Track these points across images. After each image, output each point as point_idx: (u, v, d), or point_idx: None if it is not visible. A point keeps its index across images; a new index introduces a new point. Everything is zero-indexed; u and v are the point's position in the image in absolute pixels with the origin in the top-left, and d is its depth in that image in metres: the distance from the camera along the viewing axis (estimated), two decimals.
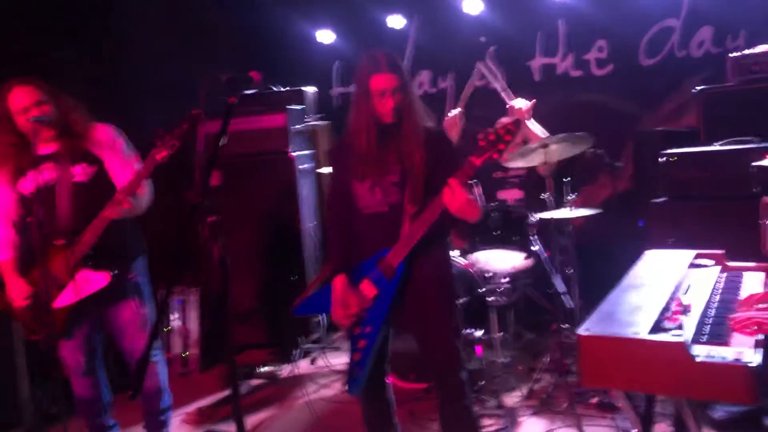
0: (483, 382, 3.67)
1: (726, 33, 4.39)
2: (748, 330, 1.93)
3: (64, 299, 2.96)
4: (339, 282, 2.71)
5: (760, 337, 1.91)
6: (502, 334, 3.79)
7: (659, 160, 3.67)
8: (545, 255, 3.83)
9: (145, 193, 3.05)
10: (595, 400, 3.41)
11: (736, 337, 1.92)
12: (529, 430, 3.30)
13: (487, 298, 3.80)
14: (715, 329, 2.00)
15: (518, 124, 2.49)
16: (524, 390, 3.68)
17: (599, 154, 4.15)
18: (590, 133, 3.86)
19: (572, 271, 3.93)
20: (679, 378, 1.76)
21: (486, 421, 3.38)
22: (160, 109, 4.98)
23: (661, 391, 2.03)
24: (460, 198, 2.42)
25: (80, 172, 3.01)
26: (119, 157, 3.07)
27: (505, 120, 3.90)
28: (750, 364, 1.70)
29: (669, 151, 3.65)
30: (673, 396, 2.12)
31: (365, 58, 2.63)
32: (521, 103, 4.09)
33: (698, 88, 3.89)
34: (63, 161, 2.99)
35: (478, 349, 3.78)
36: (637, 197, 4.35)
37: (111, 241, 2.95)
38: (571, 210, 3.78)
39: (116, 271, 2.99)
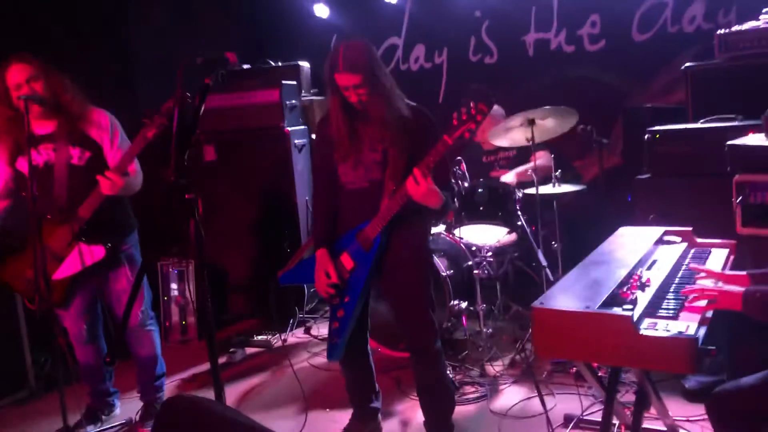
0: (467, 352, 3.80)
1: (718, 8, 4.39)
2: (697, 302, 2.02)
3: (64, 271, 3.11)
4: (320, 255, 2.84)
5: (709, 314, 2.00)
6: (484, 305, 3.90)
7: (645, 137, 3.72)
8: (530, 230, 3.91)
9: (136, 175, 3.17)
10: (573, 370, 3.52)
11: (685, 313, 2.01)
12: (508, 398, 3.42)
13: (474, 271, 3.90)
14: (669, 303, 2.09)
15: (490, 104, 2.55)
16: (507, 360, 3.80)
17: (588, 130, 4.20)
18: (582, 108, 3.94)
19: (557, 245, 4.02)
20: (626, 349, 1.85)
21: (467, 389, 3.51)
22: (161, 85, 5.10)
23: (609, 362, 2.13)
24: (422, 187, 2.53)
25: (77, 155, 3.12)
26: (116, 144, 3.19)
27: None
28: (690, 337, 1.79)
29: (654, 128, 3.69)
30: (621, 366, 2.22)
31: (331, 54, 2.66)
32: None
33: (686, 64, 3.91)
34: (61, 143, 3.11)
35: (464, 320, 3.90)
36: (626, 173, 4.40)
37: (105, 217, 3.09)
38: (555, 186, 3.86)
39: (110, 245, 3.13)
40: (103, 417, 3.47)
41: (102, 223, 3.10)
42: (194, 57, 2.24)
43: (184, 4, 5.39)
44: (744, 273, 2.27)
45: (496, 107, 4.48)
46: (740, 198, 2.90)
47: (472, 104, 2.51)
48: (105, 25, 4.85)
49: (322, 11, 5.67)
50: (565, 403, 3.26)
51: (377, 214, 2.72)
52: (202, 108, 2.23)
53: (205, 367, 4.24)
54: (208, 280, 4.94)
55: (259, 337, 4.55)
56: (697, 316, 1.96)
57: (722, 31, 3.75)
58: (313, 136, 4.98)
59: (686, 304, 2.04)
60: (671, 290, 2.22)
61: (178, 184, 2.08)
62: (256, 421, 1.55)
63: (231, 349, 4.36)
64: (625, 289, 2.12)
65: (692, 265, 2.36)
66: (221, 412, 1.60)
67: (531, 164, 3.83)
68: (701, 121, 3.62)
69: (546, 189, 3.88)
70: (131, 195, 3.22)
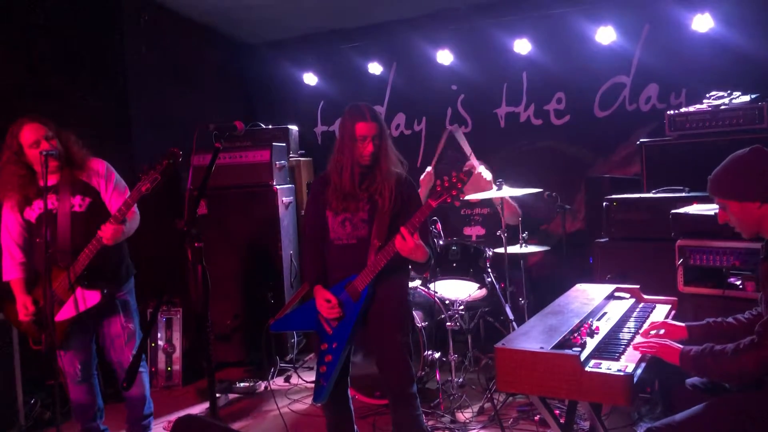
0: (438, 400, 4.06)
1: (670, 91, 4.88)
2: (644, 350, 2.35)
3: (64, 314, 3.35)
4: (317, 289, 3.13)
5: (646, 359, 2.33)
6: (456, 356, 4.18)
7: (604, 204, 4.11)
8: (499, 286, 4.23)
9: (134, 218, 3.45)
10: (537, 417, 3.79)
11: (626, 355, 2.34)
12: None
13: (446, 324, 4.20)
14: (612, 348, 2.42)
15: (469, 173, 2.91)
16: (476, 407, 4.06)
17: (553, 197, 4.60)
18: (548, 176, 4.32)
19: (524, 301, 4.35)
20: (574, 384, 2.17)
21: None
22: (157, 139, 5.44)
23: (560, 395, 2.42)
24: (409, 244, 2.87)
25: (78, 203, 3.41)
26: (112, 189, 3.47)
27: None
28: (627, 374, 2.11)
29: (612, 196, 4.09)
30: (570, 399, 2.51)
31: (351, 108, 3.08)
32: (486, 174, 4.58)
33: (641, 140, 4.34)
34: (64, 193, 3.40)
35: (437, 371, 4.17)
36: (588, 236, 4.79)
37: (104, 264, 3.36)
38: (522, 246, 4.22)
39: (106, 291, 3.38)
40: None
41: (100, 269, 3.36)
42: (208, 124, 2.58)
43: (183, 67, 5.78)
44: (683, 325, 2.61)
45: (484, 169, 4.88)
46: (681, 260, 3.27)
47: (453, 173, 2.87)
48: (106, 80, 5.16)
49: (310, 79, 6.13)
50: None
51: (365, 268, 3.03)
52: (213, 167, 2.54)
53: (191, 410, 4.44)
54: (192, 327, 5.18)
55: (242, 384, 4.76)
56: (636, 358, 2.29)
57: (671, 112, 4.20)
58: (299, 199, 5.35)
59: (633, 350, 2.37)
60: (617, 336, 2.55)
61: (190, 233, 2.38)
62: None
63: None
64: (576, 335, 2.44)
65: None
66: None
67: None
68: (653, 191, 4.02)
69: (514, 249, 4.24)
70: (129, 238, 3.48)
